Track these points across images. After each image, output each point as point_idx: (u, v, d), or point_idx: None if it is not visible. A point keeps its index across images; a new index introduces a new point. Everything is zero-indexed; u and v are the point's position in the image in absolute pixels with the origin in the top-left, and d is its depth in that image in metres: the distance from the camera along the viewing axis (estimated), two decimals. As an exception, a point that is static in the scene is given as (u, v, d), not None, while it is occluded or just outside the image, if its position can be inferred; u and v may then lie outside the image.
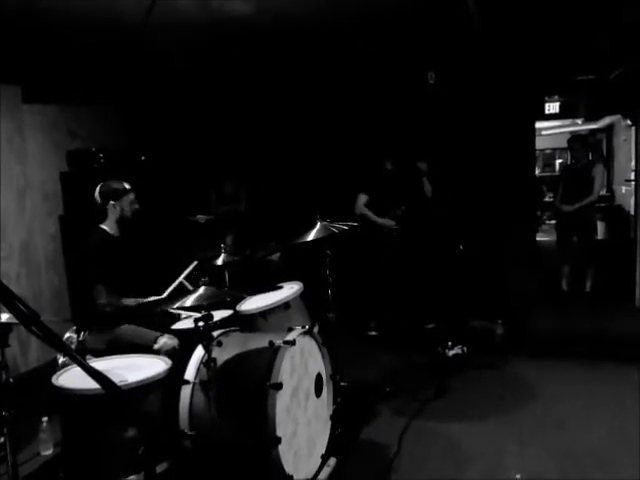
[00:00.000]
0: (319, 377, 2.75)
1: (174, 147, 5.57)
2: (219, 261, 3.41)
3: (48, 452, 3.02)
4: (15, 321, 1.99)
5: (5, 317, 2.06)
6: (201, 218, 4.95)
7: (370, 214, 4.80)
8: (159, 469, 2.03)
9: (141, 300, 2.97)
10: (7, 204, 4.25)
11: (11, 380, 2.10)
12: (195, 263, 3.28)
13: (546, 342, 4.48)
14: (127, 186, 3.17)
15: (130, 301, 2.98)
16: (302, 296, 3.19)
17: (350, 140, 5.52)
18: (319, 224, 3.23)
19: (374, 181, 4.92)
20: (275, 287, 3.31)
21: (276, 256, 5.08)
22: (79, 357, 1.22)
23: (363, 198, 4.85)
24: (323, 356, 2.81)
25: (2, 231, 4.16)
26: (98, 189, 3.14)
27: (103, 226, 3.13)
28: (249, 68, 4.93)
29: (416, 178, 4.87)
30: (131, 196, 3.16)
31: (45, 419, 3.02)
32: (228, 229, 5.52)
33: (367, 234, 4.66)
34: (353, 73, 5.10)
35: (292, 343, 2.43)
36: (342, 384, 3.19)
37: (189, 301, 2.40)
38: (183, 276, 3.20)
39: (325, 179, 5.52)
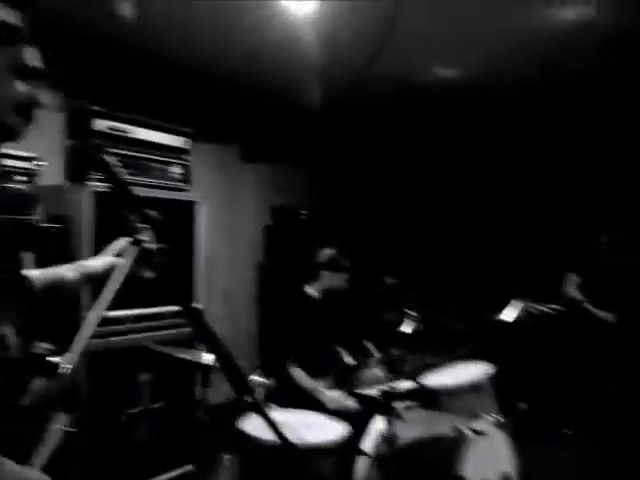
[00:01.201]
0: (506, 477, 2.43)
1: (367, 206, 5.73)
2: (404, 328, 3.30)
3: (224, 490, 3.14)
4: (216, 364, 2.12)
5: (208, 358, 2.20)
6: (389, 280, 4.93)
7: (582, 299, 4.02)
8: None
9: (315, 387, 2.96)
10: (218, 250, 4.74)
11: (205, 418, 2.22)
12: None
13: None
14: (347, 264, 3.30)
15: (307, 382, 2.98)
16: (491, 379, 2.92)
17: (555, 207, 5.06)
18: (516, 302, 2.97)
19: (587, 258, 4.19)
20: (461, 363, 3.09)
21: (458, 326, 4.81)
22: (266, 411, 1.22)
23: (574, 279, 4.17)
24: (512, 453, 2.50)
25: (211, 275, 4.63)
26: (319, 253, 3.32)
27: (309, 289, 3.28)
28: (449, 131, 4.92)
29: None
30: (344, 276, 3.29)
31: (227, 457, 3.15)
32: (411, 292, 5.41)
33: (577, 324, 3.98)
34: (562, 136, 4.76)
35: (480, 433, 2.20)
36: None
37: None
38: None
39: (523, 249, 5.13)
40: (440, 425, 2.34)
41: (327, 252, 3.35)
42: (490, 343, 3.96)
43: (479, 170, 5.46)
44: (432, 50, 3.42)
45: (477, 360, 3.15)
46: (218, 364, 1.16)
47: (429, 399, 2.78)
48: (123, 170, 1.20)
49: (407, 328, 3.33)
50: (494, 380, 2.94)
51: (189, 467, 2.98)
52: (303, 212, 5.08)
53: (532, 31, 3.16)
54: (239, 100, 4.21)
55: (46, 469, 1.10)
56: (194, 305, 1.16)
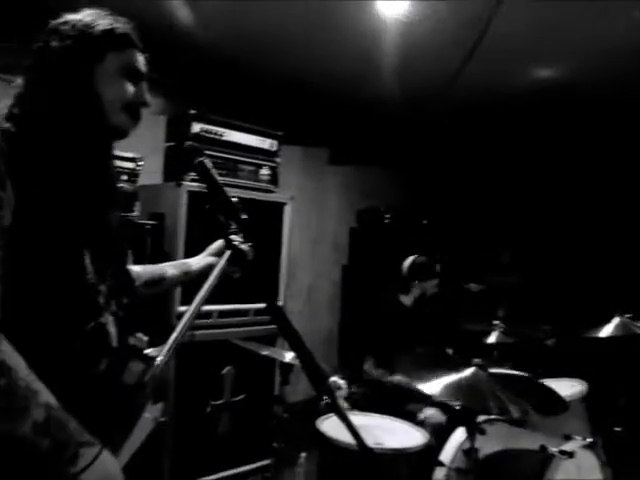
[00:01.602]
0: (596, 504, 2.28)
1: (454, 210, 5.59)
2: (491, 339, 3.18)
3: (300, 486, 3.18)
4: (296, 362, 2.17)
5: (289, 357, 2.25)
6: (474, 287, 4.79)
7: None
8: None
9: (405, 381, 2.92)
10: (303, 249, 4.82)
11: (286, 415, 2.26)
12: None
13: None
14: (437, 269, 3.27)
15: (397, 378, 2.98)
16: (583, 399, 2.75)
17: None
18: (617, 319, 2.77)
19: None
20: (553, 380, 2.93)
21: (552, 342, 4.56)
22: (344, 412, 1.21)
23: None
24: (605, 478, 2.34)
25: (296, 274, 4.72)
26: (410, 262, 3.30)
27: (403, 299, 3.26)
28: (554, 134, 4.67)
29: None
30: (435, 282, 3.26)
31: (304, 455, 3.20)
32: (500, 303, 5.21)
33: None
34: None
35: (569, 455, 2.07)
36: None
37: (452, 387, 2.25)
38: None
39: (626, 263, 4.77)
40: (525, 442, 2.24)
41: (418, 259, 3.32)
42: (585, 360, 3.73)
43: (576, 176, 5.14)
44: (526, 53, 3.28)
45: (570, 378, 2.97)
46: (299, 362, 1.18)
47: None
48: (218, 172, 1.25)
49: (492, 338, 3.22)
50: (587, 400, 2.77)
51: (266, 461, 3.05)
52: (388, 215, 5.04)
53: (629, 38, 2.95)
54: (328, 102, 4.25)
55: (137, 457, 1.17)
56: (277, 303, 1.18)
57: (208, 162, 1.23)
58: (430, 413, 2.79)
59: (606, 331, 2.75)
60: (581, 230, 5.15)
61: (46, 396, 0.91)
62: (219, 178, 1.23)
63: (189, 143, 1.28)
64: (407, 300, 3.28)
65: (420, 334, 3.23)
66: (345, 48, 3.34)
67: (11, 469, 0.93)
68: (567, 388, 2.79)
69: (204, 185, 1.22)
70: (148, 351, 1.22)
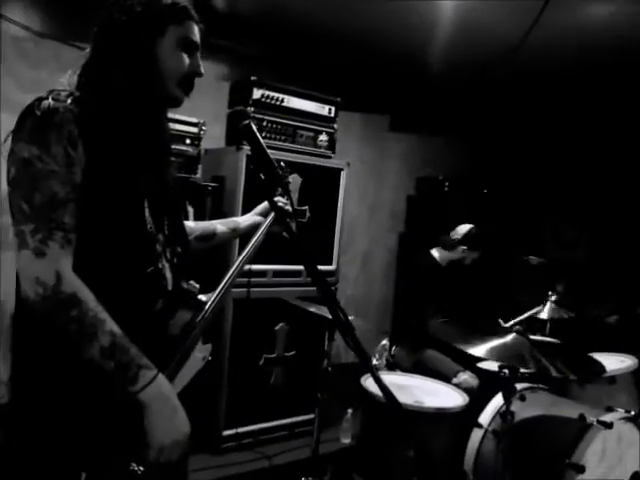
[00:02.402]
0: (636, 476, 2.29)
1: (517, 181, 5.44)
2: (544, 312, 3.17)
3: (346, 440, 3.31)
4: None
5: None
6: (533, 260, 4.69)
7: None
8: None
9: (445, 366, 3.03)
10: (359, 216, 4.90)
11: (330, 368, 2.39)
12: None
13: None
14: (482, 243, 3.32)
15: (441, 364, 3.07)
16: (634, 375, 2.72)
17: None
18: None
19: None
20: (603, 354, 2.91)
21: (613, 319, 4.44)
22: (378, 374, 1.29)
23: None
24: (648, 453, 2.33)
25: (352, 240, 4.81)
26: (466, 230, 3.34)
27: (434, 252, 3.32)
28: (622, 99, 4.42)
29: None
30: (476, 254, 3.32)
31: (350, 411, 3.35)
32: (560, 277, 5.09)
33: None
34: None
35: (608, 425, 2.09)
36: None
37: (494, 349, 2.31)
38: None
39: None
40: (565, 411, 2.27)
41: (474, 230, 3.33)
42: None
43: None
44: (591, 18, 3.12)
45: (622, 353, 2.93)
46: (335, 324, 1.26)
47: (557, 384, 2.68)
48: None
49: (544, 313, 3.21)
50: (637, 375, 2.73)
51: (312, 415, 3.22)
52: (447, 184, 5.00)
53: None
54: (389, 69, 4.23)
55: (194, 393, 1.31)
56: (320, 267, 1.26)
57: (253, 125, 1.31)
58: (464, 378, 2.85)
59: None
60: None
61: (111, 325, 1.07)
62: (263, 141, 1.31)
63: (239, 108, 1.36)
64: (440, 256, 3.32)
65: (454, 297, 3.27)
66: (408, 13, 3.31)
67: (82, 387, 1.11)
68: (616, 363, 2.76)
69: (250, 147, 1.31)
70: (200, 297, 1.36)
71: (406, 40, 3.72)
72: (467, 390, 2.73)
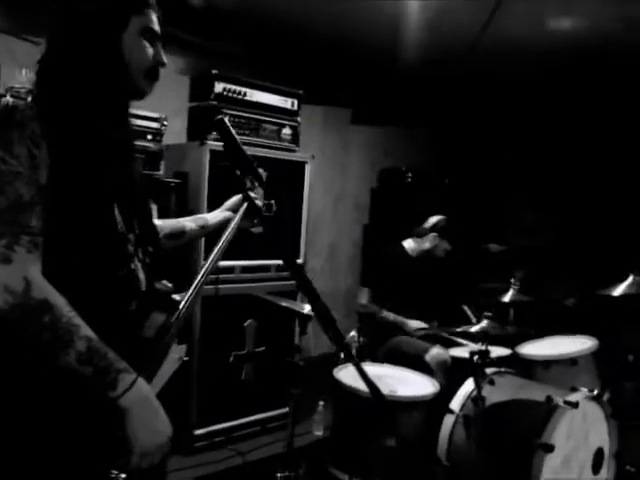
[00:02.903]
0: (600, 452, 2.38)
1: (477, 171, 5.55)
2: (506, 297, 3.25)
3: (319, 433, 3.31)
4: (313, 315, 2.28)
5: (308, 309, 2.37)
6: (493, 247, 4.82)
7: None
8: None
9: (401, 319, 3.12)
10: (324, 209, 4.90)
11: (301, 363, 2.39)
12: None
13: None
14: (453, 232, 3.38)
15: (390, 315, 3.17)
16: (595, 355, 2.82)
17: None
18: (632, 278, 2.80)
19: None
20: (564, 336, 3.01)
21: (570, 302, 4.60)
22: (359, 362, 1.31)
23: None
24: (609, 430, 2.43)
25: (317, 232, 4.81)
26: (435, 221, 3.38)
27: (405, 244, 3.36)
28: (583, 91, 4.54)
29: None
30: (447, 245, 3.36)
31: (322, 403, 3.36)
32: (520, 263, 5.23)
33: None
34: None
35: (574, 405, 2.16)
36: (628, 468, 2.70)
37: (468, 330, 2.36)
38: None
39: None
40: (532, 393, 2.33)
41: (442, 221, 3.38)
42: (599, 318, 3.78)
43: (600, 139, 5.03)
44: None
45: (582, 335, 3.04)
46: (315, 316, 1.26)
47: (522, 368, 2.77)
48: (240, 131, 1.32)
49: (507, 297, 3.29)
50: (598, 356, 2.84)
51: (284, 409, 3.22)
52: (410, 175, 5.06)
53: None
54: (350, 62, 4.23)
55: (164, 394, 1.28)
56: (296, 260, 1.27)
57: (226, 120, 1.29)
58: (436, 351, 2.90)
59: (620, 289, 2.79)
60: (603, 192, 5.08)
61: (86, 330, 1.03)
62: (237, 136, 1.29)
63: (209, 103, 1.34)
64: (410, 248, 3.36)
65: (420, 284, 3.32)
66: (372, 7, 3.31)
67: (61, 395, 1.07)
68: (578, 344, 2.86)
69: (223, 143, 1.29)
70: (174, 296, 1.33)
71: (369, 33, 3.74)
72: (440, 365, 2.78)
